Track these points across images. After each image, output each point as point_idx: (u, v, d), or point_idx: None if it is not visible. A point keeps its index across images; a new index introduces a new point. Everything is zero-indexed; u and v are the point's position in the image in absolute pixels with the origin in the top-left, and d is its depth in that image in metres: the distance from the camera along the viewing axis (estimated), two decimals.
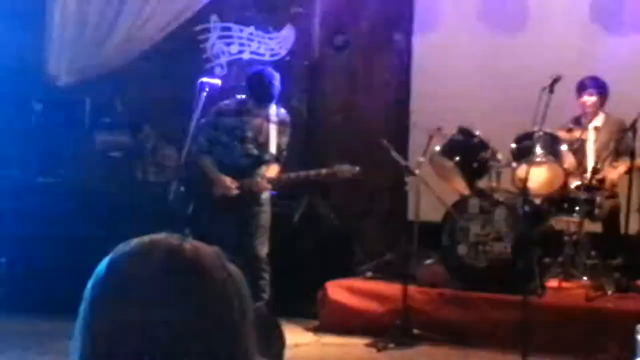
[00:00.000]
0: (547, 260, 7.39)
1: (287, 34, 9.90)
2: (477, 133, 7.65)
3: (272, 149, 7.15)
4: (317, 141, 9.46)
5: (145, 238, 1.40)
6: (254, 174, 7.15)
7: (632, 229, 7.39)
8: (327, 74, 9.68)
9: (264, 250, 7.20)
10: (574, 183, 7.57)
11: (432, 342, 7.12)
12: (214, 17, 10.08)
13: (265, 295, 7.21)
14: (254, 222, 7.17)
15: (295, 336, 7.18)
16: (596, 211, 7.55)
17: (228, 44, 10.07)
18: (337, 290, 7.67)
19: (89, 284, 1.38)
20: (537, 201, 7.57)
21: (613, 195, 7.61)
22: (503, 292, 7.13)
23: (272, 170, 7.23)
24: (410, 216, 8.28)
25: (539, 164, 7.32)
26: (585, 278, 7.48)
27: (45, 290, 7.92)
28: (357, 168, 7.23)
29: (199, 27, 10.06)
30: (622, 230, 7.45)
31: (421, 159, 7.64)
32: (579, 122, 7.88)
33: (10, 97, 8.96)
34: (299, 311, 7.88)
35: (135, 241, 1.40)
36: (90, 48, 9.22)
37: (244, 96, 7.36)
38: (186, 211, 7.09)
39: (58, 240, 8.05)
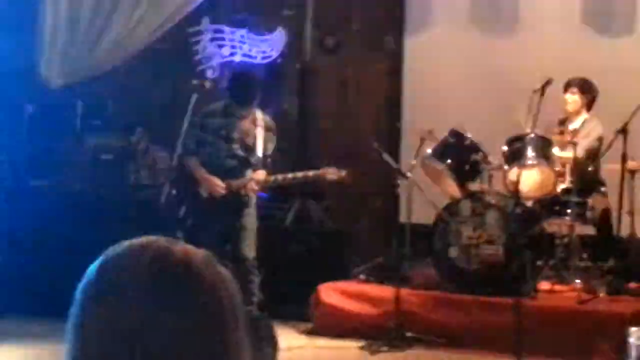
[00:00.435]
0: (539, 262, 7.39)
1: (279, 36, 9.90)
2: (469, 135, 7.65)
3: (259, 151, 7.16)
4: (309, 144, 9.46)
5: (136, 240, 1.39)
6: (240, 175, 7.14)
7: (624, 231, 7.40)
8: (318, 76, 9.68)
9: (251, 252, 7.19)
10: (560, 186, 7.57)
11: (425, 344, 7.12)
12: (205, 20, 10.08)
13: (255, 298, 7.20)
14: (241, 225, 7.16)
15: (289, 339, 7.17)
16: (588, 214, 7.56)
17: (220, 47, 10.07)
18: (330, 293, 7.67)
19: (80, 286, 1.38)
20: (529, 204, 7.57)
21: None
22: (495, 294, 7.14)
23: (259, 174, 7.23)
24: (402, 219, 8.28)
25: (531, 166, 7.32)
26: (577, 281, 7.49)
27: (37, 293, 7.90)
28: (344, 171, 7.26)
29: (190, 30, 10.05)
30: (614, 233, 7.46)
31: (413, 162, 7.65)
32: (563, 123, 7.88)
33: (1, 99, 8.94)
34: (292, 314, 7.87)
35: (125, 243, 1.39)
36: (82, 51, 9.21)
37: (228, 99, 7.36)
38: (177, 214, 7.08)
39: (50, 242, 8.03)
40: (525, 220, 7.31)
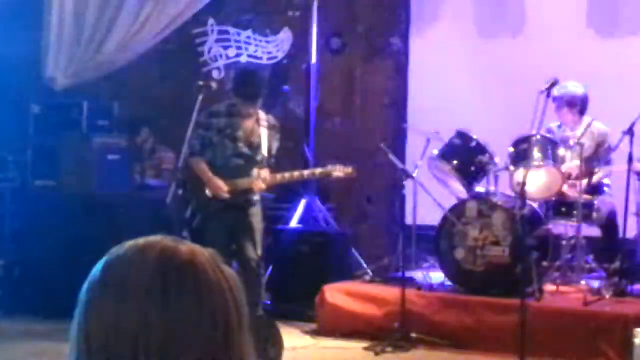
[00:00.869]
0: (545, 264, 7.38)
1: (285, 37, 9.91)
2: (475, 137, 7.64)
3: (264, 150, 7.16)
4: (315, 144, 9.45)
5: (140, 240, 1.39)
6: (246, 174, 7.14)
7: (630, 233, 7.39)
8: (324, 77, 9.68)
9: (256, 252, 7.19)
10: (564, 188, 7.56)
11: (430, 346, 7.12)
12: (211, 21, 10.09)
13: (260, 298, 7.20)
14: (246, 225, 7.16)
15: (294, 339, 7.18)
16: (594, 215, 7.55)
17: (226, 48, 10.08)
18: (336, 294, 7.67)
19: (84, 286, 1.38)
20: (535, 205, 7.56)
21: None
22: (501, 296, 7.13)
23: (265, 172, 7.23)
24: (408, 220, 8.28)
25: (537, 167, 7.31)
26: (583, 282, 7.47)
27: (42, 293, 7.93)
28: (351, 168, 7.27)
29: (196, 31, 10.07)
30: (620, 234, 7.44)
31: (419, 163, 7.65)
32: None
33: (8, 100, 8.96)
34: (297, 314, 7.88)
35: (130, 243, 1.39)
36: (88, 51, 9.22)
37: (234, 99, 7.35)
38: (184, 214, 7.09)
39: (55, 243, 8.04)
40: (531, 222, 7.30)
